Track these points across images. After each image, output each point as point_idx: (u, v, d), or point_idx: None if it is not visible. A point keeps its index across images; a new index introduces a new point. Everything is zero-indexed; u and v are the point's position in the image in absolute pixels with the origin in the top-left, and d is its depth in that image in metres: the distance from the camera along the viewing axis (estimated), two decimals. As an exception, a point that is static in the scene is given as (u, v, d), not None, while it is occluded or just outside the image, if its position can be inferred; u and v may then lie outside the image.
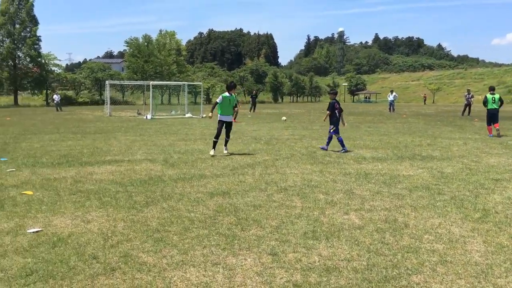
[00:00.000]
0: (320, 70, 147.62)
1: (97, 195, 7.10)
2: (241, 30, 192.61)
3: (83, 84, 66.63)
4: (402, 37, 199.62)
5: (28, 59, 58.12)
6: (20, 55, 57.83)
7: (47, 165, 10.01)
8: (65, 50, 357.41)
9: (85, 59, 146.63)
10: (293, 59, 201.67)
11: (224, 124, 11.52)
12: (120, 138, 16.04)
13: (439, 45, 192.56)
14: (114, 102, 47.97)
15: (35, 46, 57.69)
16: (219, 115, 11.51)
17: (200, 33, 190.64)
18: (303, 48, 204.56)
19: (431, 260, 4.48)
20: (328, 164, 10.23)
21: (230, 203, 6.63)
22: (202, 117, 29.59)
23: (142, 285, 3.90)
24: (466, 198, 7.01)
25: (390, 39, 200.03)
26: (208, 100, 65.37)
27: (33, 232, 5.27)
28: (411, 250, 4.74)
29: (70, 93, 64.81)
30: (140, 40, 72.37)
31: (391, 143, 14.41)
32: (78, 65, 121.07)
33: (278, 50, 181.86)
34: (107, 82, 36.35)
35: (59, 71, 65.97)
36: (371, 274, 4.14)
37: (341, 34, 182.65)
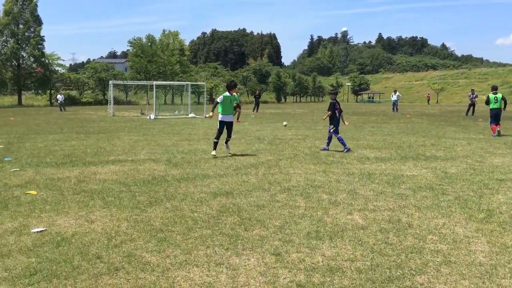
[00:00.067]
0: (324, 70, 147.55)
1: (101, 195, 7.11)
2: (244, 30, 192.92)
3: (86, 84, 66.84)
4: (406, 37, 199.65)
5: (32, 59, 58.38)
6: (24, 55, 58.08)
7: (51, 165, 10.03)
8: (68, 50, 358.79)
9: (89, 59, 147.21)
10: (296, 59, 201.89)
11: (225, 125, 11.40)
12: (123, 138, 16.07)
13: (443, 45, 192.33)
14: (117, 102, 48.10)
15: (39, 46, 57.93)
16: (220, 115, 11.38)
17: (203, 33, 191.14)
18: (306, 48, 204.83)
19: (435, 261, 4.46)
20: (332, 164, 10.22)
21: (234, 203, 6.63)
22: (205, 117, 29.60)
23: (146, 284, 3.91)
24: (470, 198, 6.99)
25: (393, 39, 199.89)
26: (211, 100, 65.39)
27: (37, 231, 5.28)
28: (415, 251, 4.72)
29: (74, 93, 65.03)
30: (144, 40, 72.55)
31: (394, 143, 14.38)
32: (82, 65, 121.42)
33: (281, 50, 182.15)
34: (110, 82, 36.42)
35: (62, 71, 66.29)
36: (374, 274, 4.13)
37: (344, 34, 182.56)
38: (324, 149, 12.54)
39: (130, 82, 52.81)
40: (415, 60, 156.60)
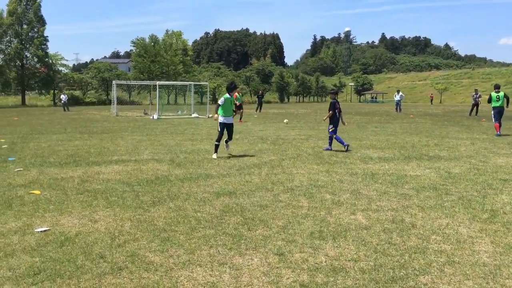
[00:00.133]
0: (327, 70, 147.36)
1: (104, 195, 7.13)
2: (247, 30, 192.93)
3: (90, 84, 66.99)
4: (409, 37, 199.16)
5: (36, 59, 58.54)
6: (28, 55, 58.26)
7: (55, 164, 10.06)
8: (72, 50, 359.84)
9: (92, 59, 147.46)
10: (299, 59, 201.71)
11: (226, 127, 11.26)
12: (126, 138, 16.09)
13: (446, 45, 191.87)
14: (120, 102, 48.20)
15: (43, 46, 58.10)
16: (220, 117, 11.22)
17: (207, 33, 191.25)
18: (309, 48, 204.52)
19: (439, 261, 4.45)
20: (335, 164, 10.21)
21: (237, 203, 6.63)
22: (208, 117, 29.64)
23: (149, 284, 3.91)
24: (474, 198, 6.97)
25: (396, 38, 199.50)
26: (214, 100, 65.44)
27: (41, 231, 5.30)
28: (419, 251, 4.72)
29: (77, 93, 65.21)
30: (147, 40, 72.70)
31: (398, 143, 14.35)
32: (85, 65, 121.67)
33: (284, 50, 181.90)
34: (113, 82, 36.51)
35: (66, 71, 66.45)
36: (378, 274, 4.13)
37: (347, 34, 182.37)
38: (327, 149, 12.53)
39: (133, 82, 52.87)
40: (418, 60, 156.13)
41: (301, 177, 8.60)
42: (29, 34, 57.50)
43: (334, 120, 12.53)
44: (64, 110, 39.53)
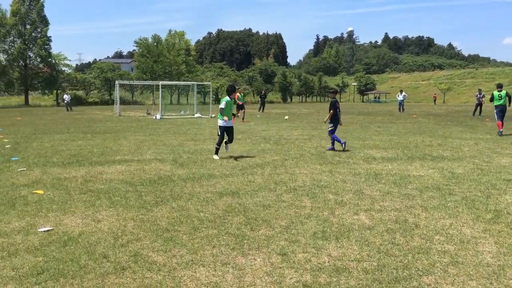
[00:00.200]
0: (329, 70, 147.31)
1: (107, 195, 7.13)
2: (250, 30, 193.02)
3: (93, 84, 67.18)
4: (412, 37, 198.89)
5: (39, 59, 58.74)
6: (31, 55, 58.45)
7: (58, 164, 10.08)
8: (75, 50, 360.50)
9: (95, 59, 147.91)
10: (302, 59, 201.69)
11: (226, 130, 11.10)
12: (129, 138, 16.11)
13: (450, 45, 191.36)
14: (123, 102, 48.26)
15: (46, 47, 58.29)
16: (220, 121, 11.05)
17: (209, 33, 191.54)
18: (312, 47, 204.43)
19: (442, 261, 4.44)
20: (338, 164, 10.19)
21: (240, 203, 6.63)
22: (211, 117, 29.64)
23: (152, 284, 3.91)
24: (477, 198, 6.95)
25: (400, 38, 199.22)
26: (217, 100, 65.49)
27: (44, 231, 5.30)
28: (422, 251, 4.70)
29: (80, 93, 65.39)
30: (150, 40, 72.80)
31: (401, 143, 14.32)
32: (88, 65, 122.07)
33: (287, 50, 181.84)
34: (116, 82, 36.55)
35: (69, 71, 66.67)
36: (381, 275, 4.12)
37: (350, 34, 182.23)
38: (330, 149, 12.51)
39: (136, 82, 52.96)
40: (422, 59, 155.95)
41: (304, 177, 8.59)
42: (32, 34, 57.70)
43: (335, 119, 12.55)
44: (67, 110, 39.63)
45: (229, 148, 11.65)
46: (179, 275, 4.10)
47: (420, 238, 5.10)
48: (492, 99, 18.12)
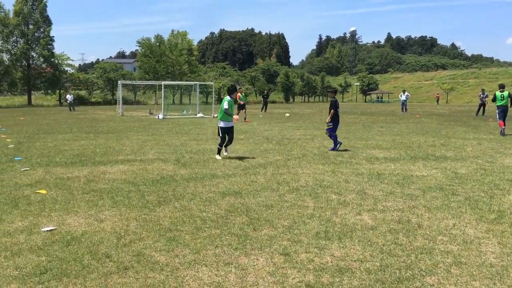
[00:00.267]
0: (332, 70, 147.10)
1: (110, 194, 7.14)
2: (252, 30, 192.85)
3: (95, 84, 67.27)
4: (415, 37, 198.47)
5: (42, 59, 58.84)
6: (34, 56, 58.54)
7: (61, 164, 10.10)
8: (78, 50, 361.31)
9: (98, 59, 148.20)
10: (304, 58, 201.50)
11: (226, 131, 10.99)
12: (132, 137, 16.13)
13: (453, 44, 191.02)
14: (126, 102, 48.32)
15: (49, 47, 58.37)
16: (220, 122, 10.99)
17: (212, 33, 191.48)
18: (314, 47, 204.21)
19: (445, 262, 4.43)
20: (340, 164, 10.18)
21: (242, 203, 6.63)
22: (214, 117, 29.65)
23: (155, 284, 3.92)
24: (480, 199, 6.93)
25: (402, 38, 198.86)
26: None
27: (47, 230, 5.31)
28: (425, 251, 4.69)
29: (83, 93, 65.46)
30: (152, 40, 72.83)
31: (404, 143, 14.30)
32: (91, 65, 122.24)
33: (289, 49, 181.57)
34: (119, 82, 36.61)
35: (72, 71, 66.79)
36: (384, 275, 4.11)
37: (353, 34, 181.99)
38: (333, 149, 12.51)
39: (138, 82, 52.97)
40: (425, 59, 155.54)
41: (306, 177, 8.58)
42: (35, 34, 57.79)
43: (335, 119, 12.57)
44: (70, 110, 39.69)
45: (228, 152, 11.41)
46: (182, 275, 4.10)
47: (423, 239, 5.09)
48: (494, 99, 18.31)
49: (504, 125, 17.34)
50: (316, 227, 5.48)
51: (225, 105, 10.89)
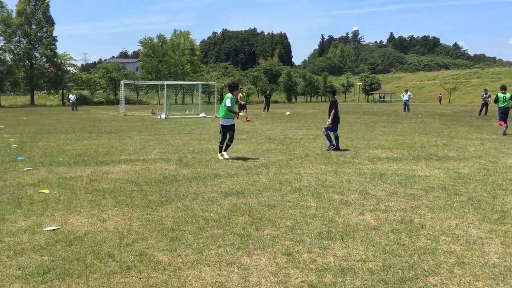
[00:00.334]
0: (334, 70, 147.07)
1: (113, 194, 7.15)
2: (254, 29, 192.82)
3: (98, 84, 67.37)
4: (418, 36, 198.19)
5: (44, 59, 58.98)
6: (37, 55, 58.70)
7: (64, 164, 10.11)
8: (80, 50, 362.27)
9: (100, 59, 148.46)
10: (307, 58, 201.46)
11: (227, 128, 10.85)
12: (134, 137, 16.15)
13: (455, 44, 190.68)
14: (128, 101, 48.37)
15: (51, 46, 58.52)
16: (222, 119, 10.85)
17: (214, 33, 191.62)
18: (317, 47, 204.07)
19: (448, 262, 4.42)
20: (343, 164, 10.17)
21: (245, 203, 6.63)
22: (216, 117, 29.64)
23: (158, 283, 3.92)
24: (483, 199, 6.92)
25: (405, 38, 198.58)
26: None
27: (50, 230, 5.33)
28: (428, 251, 4.69)
29: (86, 92, 65.59)
30: (155, 40, 72.91)
31: (406, 143, 14.28)
32: (93, 65, 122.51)
33: (292, 49, 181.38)
34: (121, 82, 36.64)
35: (74, 71, 66.94)
36: (387, 275, 4.11)
37: (355, 34, 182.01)
38: (335, 149, 12.50)
39: (141, 82, 53.02)
40: (427, 59, 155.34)
41: (309, 177, 8.58)
42: (38, 34, 57.95)
43: (335, 119, 12.57)
44: (73, 109, 39.76)
45: (227, 154, 10.96)
46: (185, 275, 4.10)
47: (426, 239, 5.09)
48: (496, 101, 18.48)
49: (505, 123, 17.37)
50: (318, 227, 5.47)
51: (227, 102, 10.71)
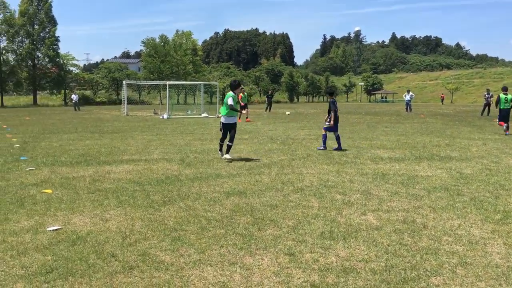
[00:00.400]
0: (336, 70, 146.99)
1: (115, 194, 7.17)
2: (256, 30, 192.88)
3: (100, 84, 67.56)
4: (420, 36, 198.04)
5: (47, 59, 59.18)
6: (39, 56, 58.88)
7: (66, 164, 10.13)
8: (83, 50, 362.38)
9: (103, 59, 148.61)
10: (309, 58, 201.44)
11: (228, 127, 10.74)
12: (137, 137, 16.17)
13: (458, 44, 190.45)
14: (131, 101, 48.50)
15: (54, 47, 58.71)
16: (222, 118, 10.77)
17: (216, 33, 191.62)
18: (319, 47, 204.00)
19: (451, 262, 4.42)
20: (345, 164, 10.17)
21: (247, 203, 6.63)
22: (218, 117, 29.66)
23: (160, 283, 3.93)
24: (486, 199, 6.91)
25: (407, 38, 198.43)
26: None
27: (53, 230, 5.34)
28: (430, 252, 4.68)
29: (88, 92, 65.79)
30: (157, 40, 73.08)
31: (408, 143, 14.26)
32: (96, 65, 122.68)
33: (294, 49, 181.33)
34: (124, 82, 36.68)
35: (77, 71, 67.19)
36: (389, 275, 4.10)
37: (357, 34, 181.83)
38: (337, 149, 12.49)
39: (143, 82, 53.11)
40: (429, 59, 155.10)
41: (311, 177, 8.58)
42: (41, 34, 58.12)
43: (334, 119, 12.57)
44: (75, 109, 39.85)
45: (230, 156, 10.71)
46: (187, 275, 4.11)
47: (428, 239, 5.08)
48: (498, 102, 18.53)
49: (506, 123, 17.41)
50: (321, 227, 5.47)
51: (230, 100, 10.58)
